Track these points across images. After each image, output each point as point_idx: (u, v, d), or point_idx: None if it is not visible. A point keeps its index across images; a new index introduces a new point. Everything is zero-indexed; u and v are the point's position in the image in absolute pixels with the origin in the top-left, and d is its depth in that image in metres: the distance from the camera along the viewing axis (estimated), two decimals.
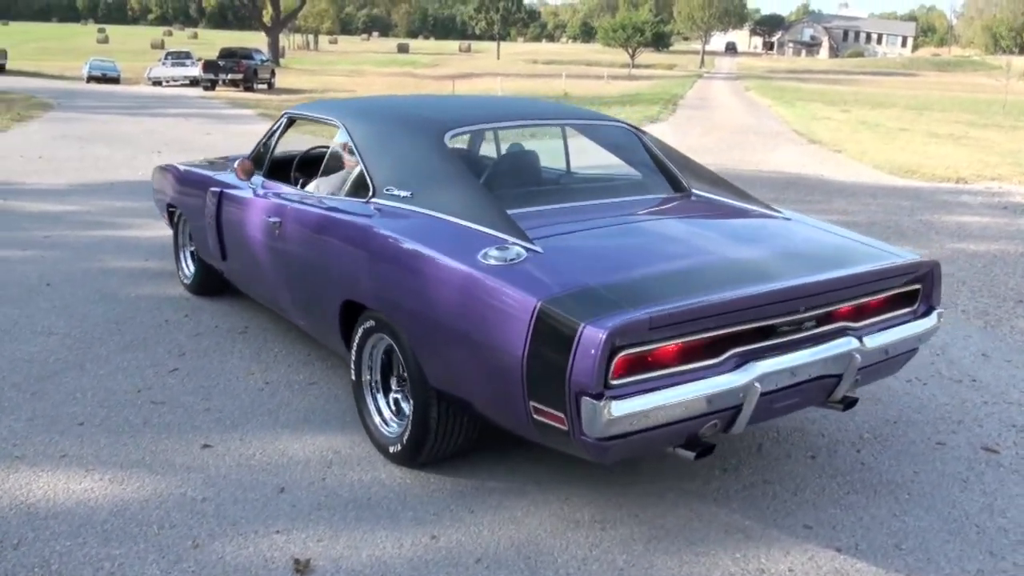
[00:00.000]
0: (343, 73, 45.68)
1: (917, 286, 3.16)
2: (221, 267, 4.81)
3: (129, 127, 15.84)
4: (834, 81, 50.88)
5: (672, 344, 2.48)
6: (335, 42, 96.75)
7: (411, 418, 3.10)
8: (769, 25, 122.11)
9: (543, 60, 70.02)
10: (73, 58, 43.37)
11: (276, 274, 4.01)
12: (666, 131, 17.68)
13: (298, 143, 5.28)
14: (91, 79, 34.12)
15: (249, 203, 4.25)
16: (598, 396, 2.33)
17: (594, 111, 4.31)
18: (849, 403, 3.05)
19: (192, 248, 5.33)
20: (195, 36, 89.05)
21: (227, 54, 34.48)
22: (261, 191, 4.21)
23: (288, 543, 2.79)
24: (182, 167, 5.39)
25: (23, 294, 5.30)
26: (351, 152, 3.73)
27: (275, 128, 4.49)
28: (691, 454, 2.64)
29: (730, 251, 2.97)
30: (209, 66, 32.32)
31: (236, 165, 4.30)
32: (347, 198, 3.60)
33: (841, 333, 2.86)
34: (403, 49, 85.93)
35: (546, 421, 2.50)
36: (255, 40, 50.84)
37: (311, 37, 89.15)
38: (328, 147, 4.25)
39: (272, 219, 3.95)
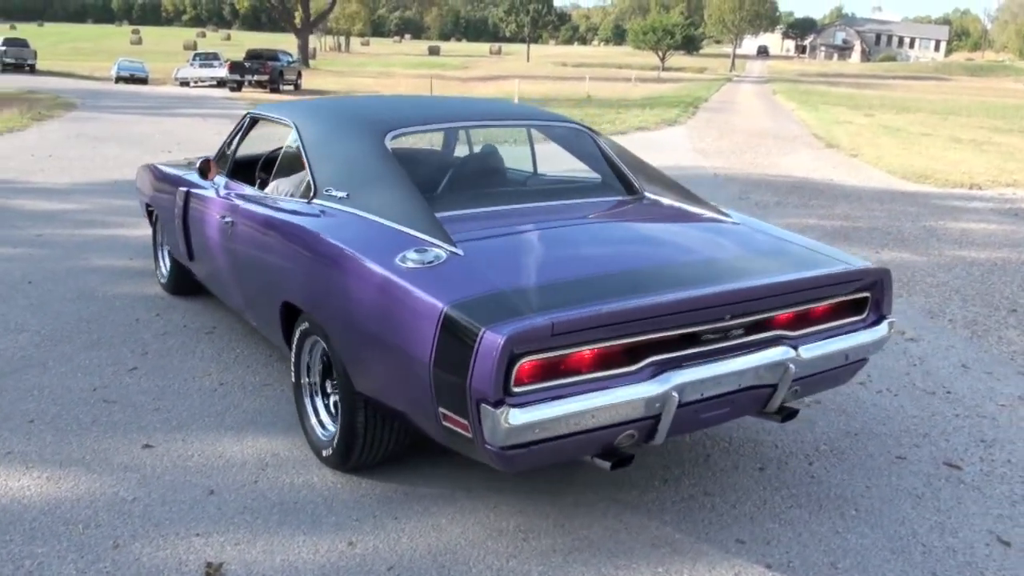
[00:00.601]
0: (371, 75, 45.90)
1: (865, 294, 3.06)
2: (190, 266, 4.81)
3: (147, 127, 16.00)
4: (864, 85, 50.20)
5: (581, 351, 2.41)
6: (367, 44, 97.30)
7: (339, 422, 3.06)
8: (801, 28, 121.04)
9: (573, 63, 69.84)
10: (105, 59, 43.95)
11: (230, 274, 4.00)
12: (682, 134, 17.55)
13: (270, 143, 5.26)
14: (119, 79, 34.56)
15: (210, 203, 4.24)
16: (497, 404, 2.27)
17: (551, 113, 4.24)
18: (788, 414, 2.96)
19: (168, 247, 5.34)
20: (228, 38, 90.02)
21: (253, 55, 34.78)
22: (223, 191, 4.20)
23: (206, 546, 2.76)
24: (158, 166, 5.41)
25: (3, 291, 5.34)
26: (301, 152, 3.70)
27: (238, 128, 4.48)
28: (607, 464, 2.57)
29: (663, 256, 2.90)
30: (235, 67, 32.61)
31: (198, 165, 4.30)
32: (291, 199, 3.57)
33: (775, 342, 2.78)
34: (434, 51, 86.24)
35: (454, 428, 2.45)
36: (287, 42, 51.29)
37: (343, 39, 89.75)
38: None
39: (226, 219, 3.93)
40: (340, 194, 3.27)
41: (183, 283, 5.24)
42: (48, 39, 72.70)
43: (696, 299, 2.56)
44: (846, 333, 3.01)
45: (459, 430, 2.43)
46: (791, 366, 2.75)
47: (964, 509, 3.14)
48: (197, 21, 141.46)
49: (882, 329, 3.09)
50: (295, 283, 3.25)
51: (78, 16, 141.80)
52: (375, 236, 2.97)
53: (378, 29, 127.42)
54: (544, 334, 2.29)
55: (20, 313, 4.94)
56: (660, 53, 69.34)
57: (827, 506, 3.12)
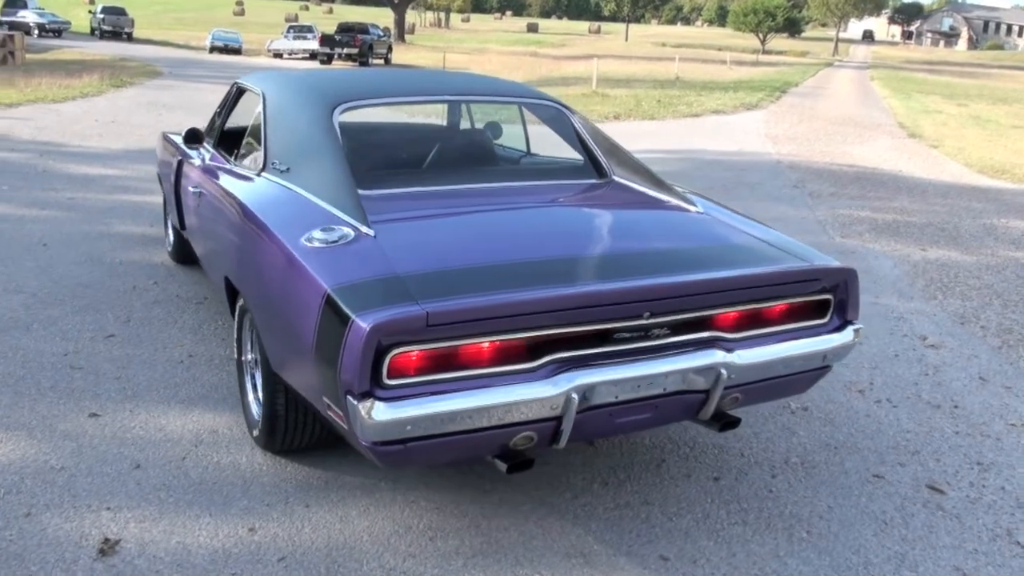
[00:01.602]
0: (464, 51, 45.85)
1: (827, 296, 2.79)
2: (185, 235, 4.80)
3: (221, 96, 16.28)
4: (966, 74, 47.59)
5: (470, 344, 2.24)
6: (467, 20, 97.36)
7: (262, 403, 2.97)
8: (907, 13, 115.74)
9: (672, 43, 68.33)
10: (204, 29, 44.87)
11: (201, 246, 3.96)
12: (758, 119, 16.96)
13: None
14: (213, 49, 35.31)
15: (193, 172, 4.21)
16: (364, 396, 2.13)
17: (529, 89, 4.03)
18: (727, 423, 2.73)
19: (169, 216, 5.36)
20: (330, 11, 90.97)
21: (344, 28, 35.30)
22: (205, 161, 4.15)
23: (111, 521, 2.71)
24: (166, 134, 5.42)
25: (17, 253, 5.45)
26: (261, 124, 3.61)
27: (226, 97, 4.42)
28: (504, 466, 2.41)
29: (594, 246, 2.70)
30: (326, 40, 33.11)
31: (184, 133, 4.26)
32: (244, 170, 3.48)
33: (708, 344, 2.55)
34: (532, 29, 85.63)
35: (335, 419, 2.32)
36: (386, 17, 51.77)
37: (443, 15, 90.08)
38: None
39: (198, 190, 3.88)
40: (283, 168, 3.17)
41: (185, 252, 5.24)
42: (153, 8, 74.89)
43: (604, 294, 2.36)
44: (802, 337, 2.75)
45: (339, 421, 2.30)
46: (723, 371, 2.52)
47: (934, 540, 2.86)
48: None
49: (845, 335, 2.81)
50: (231, 258, 3.17)
51: None
52: (295, 213, 2.86)
53: (480, 6, 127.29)
54: (417, 325, 2.13)
55: (24, 275, 5.03)
56: (760, 35, 67.30)
57: (776, 525, 2.87)
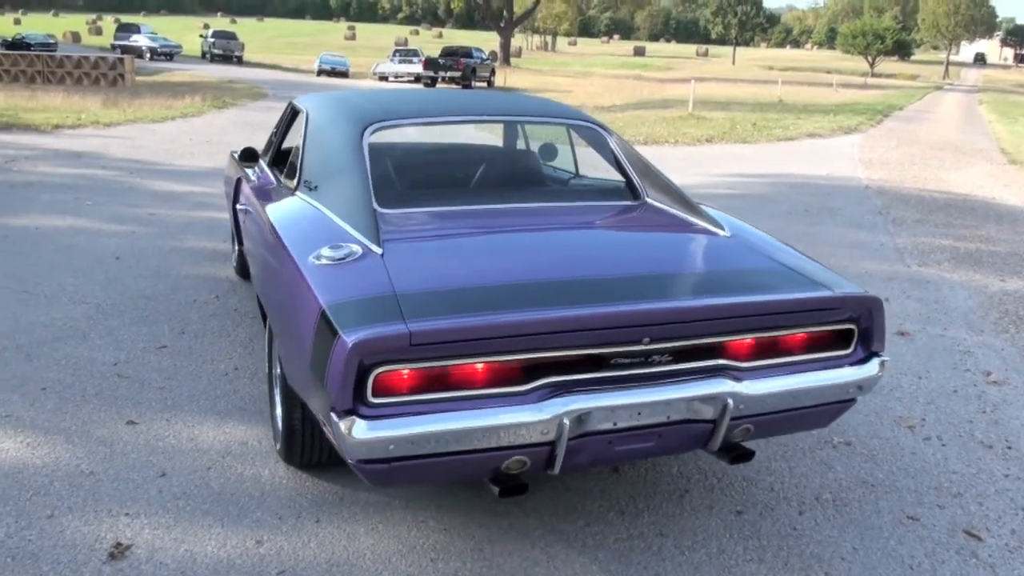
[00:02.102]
0: (569, 74, 46.09)
1: (850, 326, 2.67)
2: (244, 251, 4.95)
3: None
4: None
5: (461, 365, 2.23)
6: (574, 44, 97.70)
7: (281, 416, 3.02)
8: (1020, 35, 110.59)
9: (780, 66, 67.20)
10: (315, 53, 46.29)
11: (249, 262, 4.06)
12: (855, 143, 16.48)
13: None
14: (321, 72, 36.35)
15: (244, 190, 4.34)
16: (346, 413, 2.14)
17: (569, 110, 3.98)
18: (738, 456, 2.63)
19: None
20: (440, 35, 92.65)
21: (448, 52, 36.15)
22: (255, 179, 4.28)
23: (127, 527, 2.79)
24: (233, 154, 5.60)
25: (89, 265, 5.72)
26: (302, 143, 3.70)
27: (282, 116, 4.55)
28: (496, 489, 2.38)
29: (610, 268, 2.64)
30: (430, 63, 33.89)
31: (240, 152, 4.40)
32: (284, 189, 3.57)
33: (715, 372, 2.47)
34: (639, 52, 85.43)
35: (329, 435, 2.34)
36: (495, 41, 52.64)
37: (550, 38, 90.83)
38: None
39: (245, 207, 4.00)
40: (313, 186, 3.24)
41: (246, 267, 5.40)
42: (266, 33, 78.02)
43: (599, 317, 2.31)
44: (822, 369, 2.64)
45: (332, 438, 2.31)
46: (730, 401, 2.43)
47: None
48: (411, 19, 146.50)
49: (870, 368, 2.68)
50: (259, 274, 3.25)
51: (297, 12, 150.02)
52: (313, 230, 2.91)
53: (588, 29, 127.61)
54: (401, 344, 2.13)
55: (91, 287, 5.26)
56: (869, 58, 65.53)
57: (793, 565, 2.75)
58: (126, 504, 2.93)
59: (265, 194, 3.73)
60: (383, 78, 36.09)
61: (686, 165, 12.20)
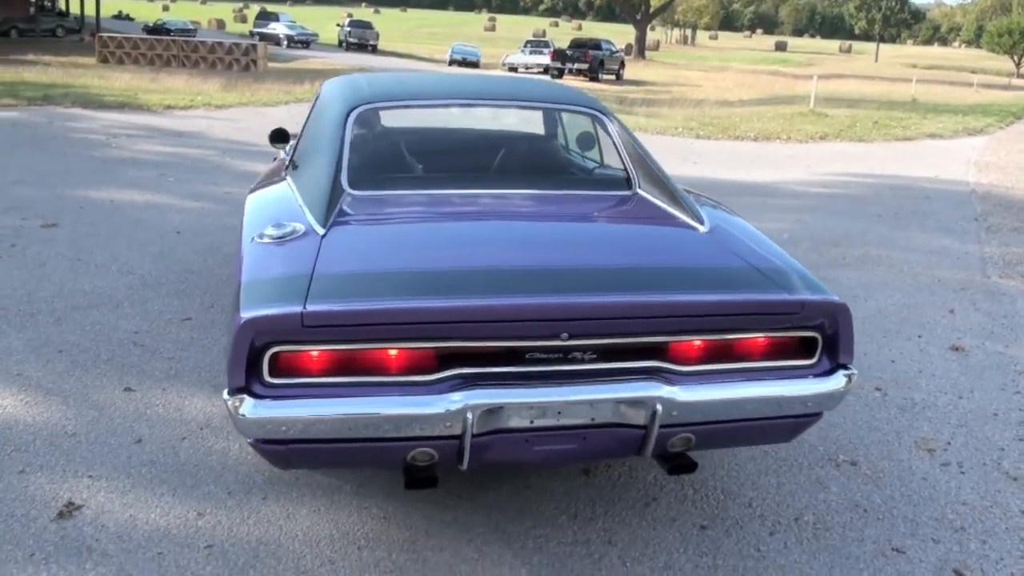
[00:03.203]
0: (705, 68, 45.10)
1: (812, 334, 2.46)
2: None
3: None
4: None
5: (364, 350, 2.17)
6: (715, 38, 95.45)
7: None
8: None
9: (924, 64, 63.61)
10: (453, 43, 46.86)
11: None
12: (976, 145, 15.42)
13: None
14: (453, 62, 36.81)
15: (263, 172, 4.41)
16: (238, 391, 2.12)
17: (575, 96, 3.81)
18: (678, 466, 2.46)
19: None
20: (579, 28, 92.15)
21: (577, 44, 36.14)
22: (275, 161, 4.34)
23: (87, 488, 2.88)
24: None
25: (149, 239, 5.95)
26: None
27: (314, 99, 4.58)
28: (405, 479, 2.31)
29: (551, 259, 2.52)
30: (557, 55, 33.95)
31: (270, 133, 4.47)
32: (283, 171, 3.59)
33: (646, 375, 2.31)
34: (780, 47, 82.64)
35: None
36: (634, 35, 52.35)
37: (689, 32, 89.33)
38: None
39: (258, 187, 4.05)
40: (296, 167, 3.25)
41: None
42: (408, 23, 79.67)
43: (511, 309, 2.19)
44: (778, 379, 2.43)
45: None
46: (658, 406, 2.27)
47: None
48: (552, 11, 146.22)
49: (833, 382, 2.46)
50: None
51: (440, 3, 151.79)
52: (272, 211, 2.93)
53: (731, 23, 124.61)
54: (292, 324, 2.09)
55: (143, 259, 5.47)
56: (1015, 58, 61.28)
57: None
58: (94, 467, 3.02)
59: (267, 177, 3.77)
60: (512, 68, 36.19)
61: (790, 162, 11.75)
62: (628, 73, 37.40)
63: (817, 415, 2.55)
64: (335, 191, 2.85)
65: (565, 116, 3.85)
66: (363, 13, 77.50)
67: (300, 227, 2.62)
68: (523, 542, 2.71)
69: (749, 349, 2.43)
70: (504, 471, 3.07)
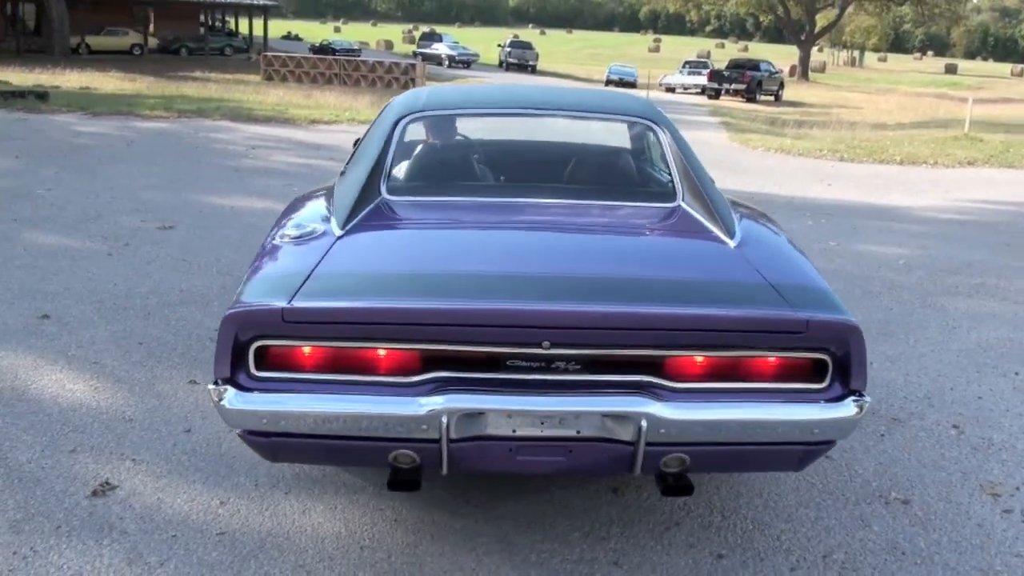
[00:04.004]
0: (870, 91, 43.35)
1: (821, 356, 2.31)
2: None
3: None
4: None
5: (349, 348, 2.22)
6: (884, 60, 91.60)
7: None
8: None
9: None
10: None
11: None
12: None
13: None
14: (609, 82, 36.76)
15: None
16: (223, 382, 2.21)
17: (628, 104, 3.72)
18: (672, 488, 2.36)
19: None
20: (745, 49, 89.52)
21: (735, 65, 35.62)
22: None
23: (127, 471, 3.06)
24: None
25: (257, 243, 6.23)
26: None
27: (379, 113, 4.73)
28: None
29: (556, 268, 2.49)
30: (714, 76, 33.56)
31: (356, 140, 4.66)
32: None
33: (635, 389, 2.24)
34: (951, 70, 78.29)
35: None
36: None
37: (857, 54, 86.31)
38: None
39: None
40: (343, 172, 3.35)
41: None
42: (572, 45, 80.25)
43: (488, 314, 2.18)
44: (783, 402, 2.31)
45: None
46: (643, 423, 2.19)
47: None
48: (719, 32, 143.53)
49: (843, 408, 2.30)
50: None
51: (606, 24, 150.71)
52: (305, 211, 3.02)
53: (900, 45, 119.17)
54: (273, 319, 2.16)
55: (244, 262, 5.63)
56: None
57: None
58: (139, 451, 3.20)
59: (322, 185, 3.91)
60: (670, 89, 35.78)
61: (929, 187, 11.16)
62: (789, 94, 36.50)
63: (828, 444, 2.40)
64: (367, 195, 2.92)
65: (618, 126, 3.82)
66: (529, 34, 78.55)
67: (320, 228, 2.70)
68: (526, 555, 2.67)
69: (754, 369, 2.32)
70: (530, 484, 3.05)
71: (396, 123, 3.30)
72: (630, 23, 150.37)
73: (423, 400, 2.17)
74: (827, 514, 3.02)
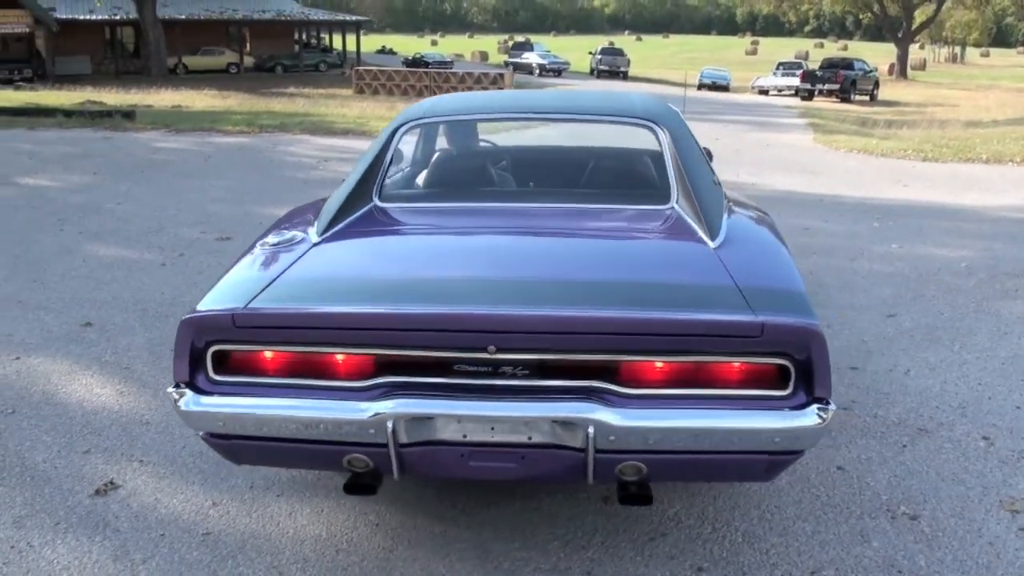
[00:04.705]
0: (969, 87, 41.69)
1: (781, 361, 2.22)
2: None
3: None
4: None
5: (301, 353, 2.26)
6: (986, 55, 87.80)
7: None
8: None
9: None
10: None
11: None
12: None
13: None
14: (702, 86, 36.19)
15: None
16: (183, 385, 2.28)
17: (633, 105, 3.65)
18: (630, 496, 2.31)
19: None
20: (844, 48, 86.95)
21: (828, 64, 34.81)
22: None
23: (132, 471, 3.19)
24: None
25: None
26: None
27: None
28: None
29: (505, 270, 2.49)
30: (807, 76, 32.79)
31: None
32: None
33: (584, 395, 2.20)
34: None
35: None
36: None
37: (958, 49, 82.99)
38: None
39: None
40: (342, 180, 3.41)
41: None
42: (668, 49, 79.41)
43: (430, 319, 2.18)
44: (748, 410, 2.23)
45: None
46: (590, 429, 2.16)
47: None
48: (818, 32, 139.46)
49: (804, 417, 2.21)
50: None
51: (703, 28, 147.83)
52: (290, 220, 3.08)
53: (1004, 39, 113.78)
54: (224, 324, 2.22)
55: None
56: None
57: None
58: (149, 452, 3.33)
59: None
60: (763, 91, 34.92)
61: (1010, 187, 10.61)
62: (885, 93, 35.33)
63: (795, 453, 2.31)
64: (355, 202, 2.98)
65: (618, 128, 3.76)
66: (625, 41, 78.04)
67: (299, 236, 2.76)
68: (499, 563, 2.66)
69: (717, 375, 2.25)
70: (518, 491, 3.04)
71: (395, 131, 3.35)
72: (727, 26, 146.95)
73: (368, 404, 2.19)
74: (825, 528, 2.90)
